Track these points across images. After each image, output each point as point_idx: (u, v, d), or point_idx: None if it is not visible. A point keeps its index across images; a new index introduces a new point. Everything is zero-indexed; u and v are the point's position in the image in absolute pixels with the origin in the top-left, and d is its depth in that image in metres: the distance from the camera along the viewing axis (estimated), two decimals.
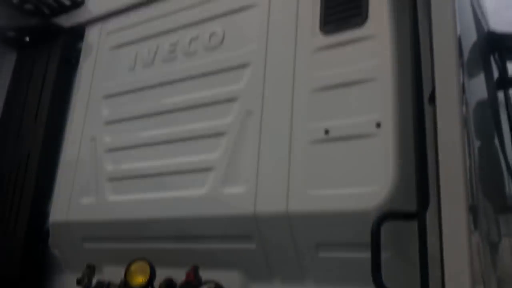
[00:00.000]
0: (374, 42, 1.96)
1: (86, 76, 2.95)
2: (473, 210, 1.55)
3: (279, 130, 2.07)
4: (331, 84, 2.00)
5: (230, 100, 2.28)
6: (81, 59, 3.04)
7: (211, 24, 2.51)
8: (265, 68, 2.22)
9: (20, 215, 2.79)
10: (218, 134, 2.26)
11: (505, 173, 2.57)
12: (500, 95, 3.04)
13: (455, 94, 1.43)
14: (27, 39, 3.25)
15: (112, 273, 2.39)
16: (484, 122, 2.26)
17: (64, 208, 2.69)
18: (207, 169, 2.24)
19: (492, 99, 2.78)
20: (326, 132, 1.95)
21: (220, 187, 2.17)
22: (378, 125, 1.83)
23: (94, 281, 2.40)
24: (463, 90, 1.54)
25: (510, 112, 3.26)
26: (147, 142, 2.51)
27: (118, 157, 2.59)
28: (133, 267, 2.18)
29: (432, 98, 1.51)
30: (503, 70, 3.11)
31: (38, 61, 3.13)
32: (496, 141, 2.54)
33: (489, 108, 2.62)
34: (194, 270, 2.03)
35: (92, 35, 3.05)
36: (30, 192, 2.81)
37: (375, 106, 1.86)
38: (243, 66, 2.30)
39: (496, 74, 2.97)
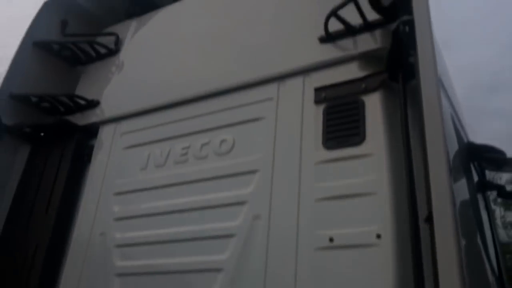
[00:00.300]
0: (372, 159, 2.21)
1: (98, 173, 3.13)
2: None
3: (286, 236, 2.25)
4: (334, 195, 2.22)
5: (239, 203, 2.48)
6: (93, 157, 3.23)
7: (222, 132, 2.76)
8: (272, 175, 2.44)
9: None
10: (227, 236, 2.43)
11: (489, 272, 2.77)
12: (480, 197, 3.33)
13: (450, 217, 1.66)
14: (42, 134, 3.46)
15: None
16: (467, 222, 2.48)
17: None
18: (216, 270, 2.38)
19: (473, 200, 3.04)
20: (331, 240, 2.14)
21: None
22: (378, 236, 2.04)
23: None
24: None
25: (490, 213, 3.53)
26: (157, 240, 2.65)
27: (127, 253, 2.72)
28: None
29: (429, 219, 1.74)
30: (482, 176, 3.42)
31: (51, 156, 3.32)
32: (479, 240, 2.76)
33: (471, 209, 2.87)
34: None
35: (106, 134, 3.27)
36: (35, 285, 2.89)
37: (375, 218, 2.08)
38: (251, 172, 2.52)
39: (475, 178, 3.26)
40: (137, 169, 2.98)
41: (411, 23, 2.05)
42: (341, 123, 2.38)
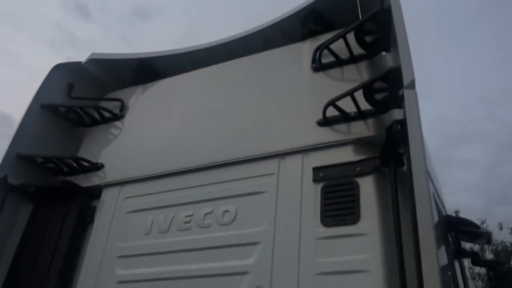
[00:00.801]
0: (366, 238, 2.45)
1: (101, 235, 3.26)
2: None
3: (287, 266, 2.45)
4: (332, 270, 2.44)
5: (241, 273, 2.66)
6: (96, 218, 3.37)
7: (224, 203, 2.96)
8: (273, 248, 2.64)
9: None
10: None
11: None
12: (456, 263, 3.62)
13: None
14: (46, 195, 3.59)
15: None
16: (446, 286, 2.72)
17: None
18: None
19: (451, 266, 3.31)
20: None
21: None
22: None
23: None
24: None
25: (465, 278, 3.81)
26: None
27: None
28: None
29: None
30: (458, 244, 3.72)
31: (54, 216, 3.44)
32: None
33: (449, 273, 3.14)
34: None
35: (109, 197, 3.42)
36: None
37: None
38: (253, 244, 2.72)
39: (452, 246, 3.56)
40: (141, 233, 3.13)
41: (403, 122, 2.35)
42: (337, 202, 2.62)
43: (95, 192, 3.52)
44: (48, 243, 3.34)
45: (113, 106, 3.93)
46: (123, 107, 3.88)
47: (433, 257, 2.07)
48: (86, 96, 4.02)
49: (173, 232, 3.04)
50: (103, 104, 3.96)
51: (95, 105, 3.92)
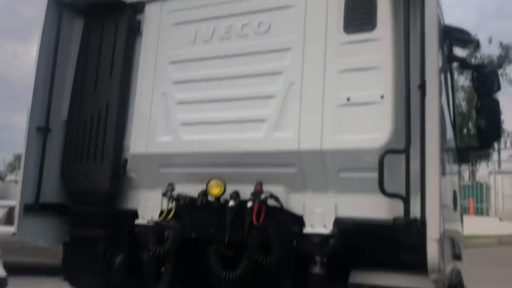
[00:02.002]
0: (381, 42, 3.08)
1: (151, 45, 3.83)
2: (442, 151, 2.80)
3: (314, 97, 3.18)
4: (351, 68, 3.12)
5: (277, 73, 3.34)
6: (144, 31, 3.90)
7: (259, 15, 3.49)
8: (303, 52, 3.28)
9: (105, 149, 3.76)
10: (269, 97, 3.33)
11: (450, 126, 3.86)
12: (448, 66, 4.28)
13: (436, 85, 2.63)
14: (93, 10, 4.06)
15: (183, 189, 3.46)
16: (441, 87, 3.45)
17: (143, 143, 3.68)
18: (261, 120, 3.32)
19: (445, 70, 4.00)
20: (348, 99, 3.08)
21: (272, 132, 3.27)
22: (382, 97, 2.99)
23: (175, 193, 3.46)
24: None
25: (452, 80, 4.54)
26: (211, 99, 3.51)
27: (187, 109, 3.59)
28: (211, 183, 3.26)
29: (422, 86, 2.71)
30: (450, 51, 4.35)
31: (106, 29, 3.95)
32: (449, 106, 3.80)
33: (443, 76, 3.85)
34: (260, 184, 3.16)
35: (153, 11, 3.89)
36: (112, 132, 3.77)
37: (380, 84, 3.01)
38: (286, 49, 3.35)
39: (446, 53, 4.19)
40: (187, 42, 3.71)
41: None
42: (358, 14, 3.18)
43: (139, 7, 3.98)
44: (105, 51, 3.91)
45: None
46: None
47: (434, 60, 2.74)
48: None
49: (215, 41, 3.62)
50: None
51: None
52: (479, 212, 24.94)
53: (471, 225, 20.27)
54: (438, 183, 2.70)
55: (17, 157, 51.62)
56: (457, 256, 4.19)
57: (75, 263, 3.77)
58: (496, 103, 4.34)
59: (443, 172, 3.25)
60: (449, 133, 3.74)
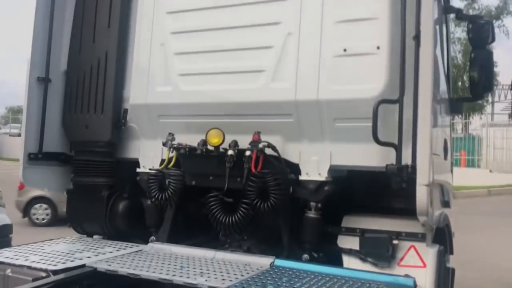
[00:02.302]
0: None
1: None
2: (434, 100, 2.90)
3: (312, 47, 3.23)
4: (349, 18, 3.15)
5: (275, 23, 3.36)
6: None
7: None
8: (301, 2, 3.28)
9: (105, 99, 3.82)
10: (267, 47, 3.37)
11: (443, 76, 3.94)
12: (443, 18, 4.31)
13: (431, 36, 2.69)
14: None
15: (182, 139, 3.56)
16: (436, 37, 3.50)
17: (143, 94, 3.74)
18: (259, 71, 3.38)
19: (440, 21, 4.02)
20: (345, 50, 3.14)
21: (269, 83, 3.34)
22: (378, 47, 3.05)
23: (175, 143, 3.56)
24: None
25: (448, 31, 4.58)
26: (209, 50, 3.55)
27: (186, 59, 3.63)
28: (211, 132, 3.35)
29: (417, 37, 2.77)
30: (446, 1, 4.36)
31: None
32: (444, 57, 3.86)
33: (438, 27, 3.88)
34: (258, 133, 3.26)
35: None
36: (111, 83, 3.83)
37: (377, 35, 3.06)
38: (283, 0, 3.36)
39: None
40: None
41: None
42: None
43: None
44: (103, 3, 3.91)
45: None
46: None
47: (429, 11, 2.79)
48: None
49: None
50: None
51: None
52: (470, 164, 25.36)
53: (462, 177, 20.75)
54: (429, 131, 2.82)
55: (10, 110, 51.42)
56: (446, 203, 4.37)
57: (79, 210, 3.92)
58: (489, 55, 4.39)
59: (434, 122, 3.36)
60: (443, 84, 3.82)
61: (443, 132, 3.86)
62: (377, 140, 2.91)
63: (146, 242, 3.68)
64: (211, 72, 3.54)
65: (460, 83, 26.49)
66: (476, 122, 29.88)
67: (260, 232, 3.73)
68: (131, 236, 3.94)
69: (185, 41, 3.66)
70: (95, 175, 3.84)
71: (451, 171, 4.73)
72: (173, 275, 2.81)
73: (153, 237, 3.78)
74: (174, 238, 3.77)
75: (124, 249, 3.52)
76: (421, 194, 2.79)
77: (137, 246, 3.61)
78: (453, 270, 4.23)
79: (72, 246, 3.59)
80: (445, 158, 3.90)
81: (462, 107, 4.58)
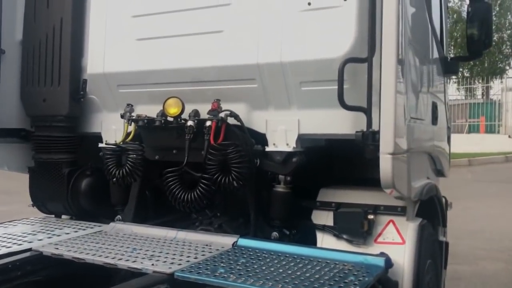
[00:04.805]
0: None
1: None
2: (401, 61, 2.54)
3: (274, 2, 2.88)
4: None
5: None
6: None
7: None
8: None
9: (62, 70, 3.54)
10: (224, 4, 3.03)
11: (430, 35, 3.54)
12: None
13: None
14: None
15: (145, 111, 3.28)
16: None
17: (100, 63, 3.45)
18: (217, 31, 3.05)
19: None
20: (309, 3, 2.78)
21: (229, 45, 3.01)
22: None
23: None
24: None
25: None
26: (166, 10, 3.22)
27: (142, 22, 3.32)
28: (169, 102, 3.06)
29: None
30: None
31: None
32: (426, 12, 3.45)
33: None
34: (218, 101, 2.96)
35: None
36: (68, 52, 3.54)
37: None
38: None
39: None
40: None
41: None
42: None
43: None
44: None
45: None
46: None
47: None
48: None
49: None
50: None
51: None
52: (489, 130, 24.65)
53: (481, 143, 20.18)
54: (393, 94, 2.46)
55: None
56: (439, 172, 4.04)
57: (41, 189, 3.69)
58: (488, 8, 4.01)
59: (416, 84, 3.01)
60: (427, 42, 3.43)
61: (431, 95, 3.50)
62: (343, 104, 2.58)
63: (113, 221, 3.46)
64: (167, 35, 3.22)
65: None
66: (496, 87, 28.93)
67: (232, 208, 3.47)
68: (99, 215, 3.72)
69: (141, 2, 3.33)
70: (55, 151, 3.60)
71: (448, 137, 4.37)
72: (119, 259, 2.57)
73: (119, 216, 3.54)
74: (142, 216, 3.53)
75: (84, 229, 3.30)
76: (385, 164, 2.47)
77: (99, 226, 3.38)
78: (446, 243, 3.92)
79: (29, 227, 3.38)
80: (434, 123, 3.54)
81: (458, 67, 4.19)
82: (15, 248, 2.83)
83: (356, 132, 2.62)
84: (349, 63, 2.59)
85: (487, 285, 5.74)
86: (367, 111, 2.58)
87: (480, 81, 30.55)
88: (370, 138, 2.52)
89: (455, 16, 27.87)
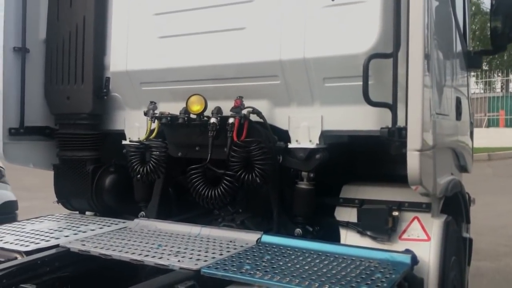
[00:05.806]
0: None
1: None
2: (427, 56, 2.52)
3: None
4: None
5: None
6: None
7: None
8: None
9: (85, 68, 3.58)
10: (247, 1, 3.02)
11: (453, 29, 3.49)
12: None
13: None
14: None
15: (167, 108, 3.30)
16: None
17: (123, 60, 3.48)
18: (240, 28, 3.04)
19: None
20: None
21: (252, 42, 3.01)
22: None
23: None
24: None
25: None
26: (188, 8, 3.22)
27: (165, 20, 3.33)
28: (192, 99, 3.07)
29: None
30: None
31: None
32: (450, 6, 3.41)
33: None
34: (240, 98, 2.96)
35: None
36: (91, 50, 3.57)
37: None
38: None
39: None
40: None
41: None
42: None
43: None
44: None
45: None
46: None
47: None
48: None
49: None
50: None
51: None
52: (509, 124, 24.28)
53: (500, 138, 19.87)
54: (421, 90, 2.43)
55: None
56: (463, 168, 3.99)
57: (65, 186, 3.74)
58: None
59: (439, 79, 2.97)
60: (452, 36, 3.39)
61: (455, 90, 3.45)
62: (368, 100, 2.56)
63: (137, 217, 3.49)
64: (189, 32, 3.22)
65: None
66: None
67: (255, 205, 3.48)
68: (123, 212, 3.76)
69: (163, 0, 3.34)
70: (79, 149, 3.64)
71: (471, 132, 4.32)
72: (146, 256, 2.60)
73: (142, 213, 3.58)
74: (166, 213, 3.56)
75: (109, 226, 3.34)
76: (412, 160, 2.44)
77: (123, 222, 3.42)
78: (470, 240, 3.88)
79: (55, 224, 3.43)
80: (458, 118, 3.50)
81: (481, 61, 4.12)
82: (43, 244, 2.87)
83: (381, 128, 2.60)
84: (374, 58, 2.56)
85: (510, 282, 5.67)
86: (393, 107, 2.56)
87: (500, 74, 30.09)
88: (396, 135, 2.50)
89: (473, 8, 27.44)
